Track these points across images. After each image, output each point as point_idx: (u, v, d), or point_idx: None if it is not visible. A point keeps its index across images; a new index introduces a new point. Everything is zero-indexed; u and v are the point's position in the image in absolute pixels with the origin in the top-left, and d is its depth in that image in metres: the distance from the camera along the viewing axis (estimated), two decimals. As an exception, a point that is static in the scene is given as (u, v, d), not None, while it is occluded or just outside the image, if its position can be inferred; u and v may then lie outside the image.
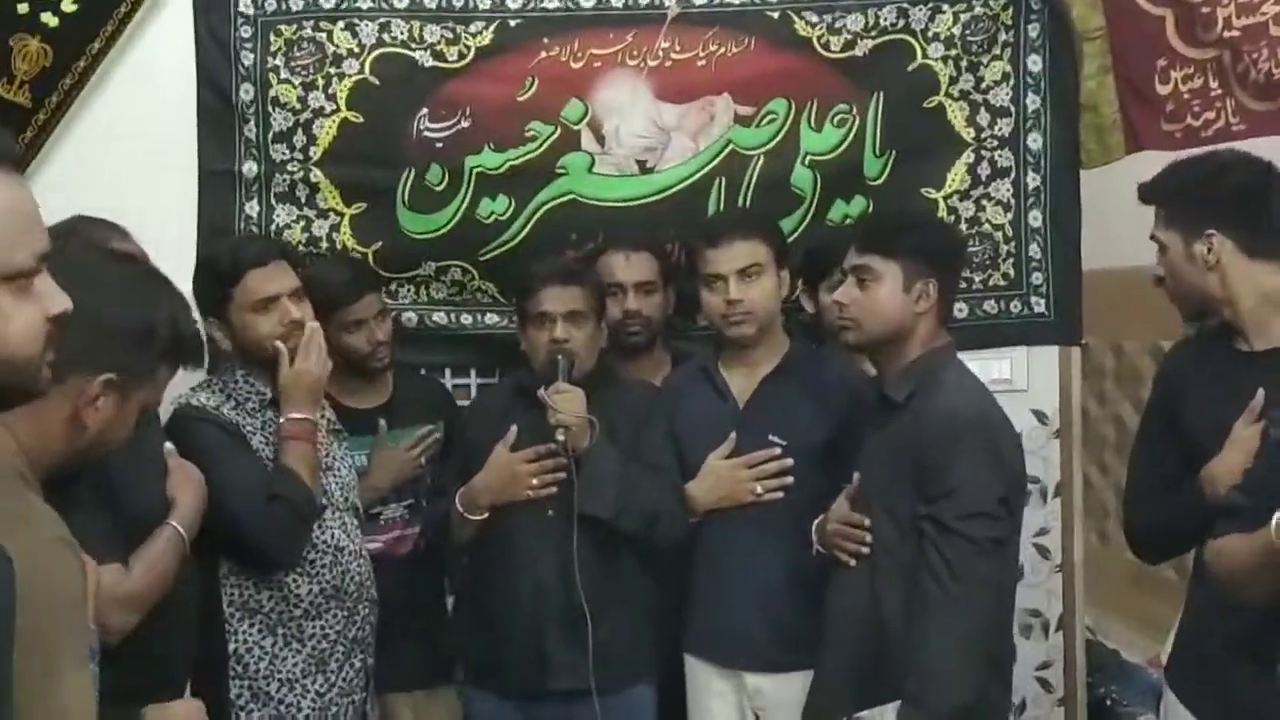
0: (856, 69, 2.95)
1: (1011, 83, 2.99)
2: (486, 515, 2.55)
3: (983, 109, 3.01)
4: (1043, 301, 3.06)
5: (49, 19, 2.87)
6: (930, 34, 2.95)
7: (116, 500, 1.82)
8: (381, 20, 2.92)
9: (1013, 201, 3.03)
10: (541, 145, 2.93)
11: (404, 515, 2.78)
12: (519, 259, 2.89)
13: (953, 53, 2.96)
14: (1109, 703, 3.32)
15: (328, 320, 2.54)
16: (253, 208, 2.97)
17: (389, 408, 2.79)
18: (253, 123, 2.93)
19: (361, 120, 2.94)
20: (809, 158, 2.96)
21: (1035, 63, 2.99)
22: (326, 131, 2.93)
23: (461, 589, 2.81)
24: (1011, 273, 3.05)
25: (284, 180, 2.96)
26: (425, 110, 2.92)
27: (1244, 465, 1.99)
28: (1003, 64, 2.99)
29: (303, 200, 2.97)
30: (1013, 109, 3.00)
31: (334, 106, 2.93)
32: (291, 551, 2.33)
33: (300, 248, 2.89)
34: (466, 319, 3.06)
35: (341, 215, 2.98)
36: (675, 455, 2.60)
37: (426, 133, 2.93)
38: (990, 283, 3.05)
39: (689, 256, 2.80)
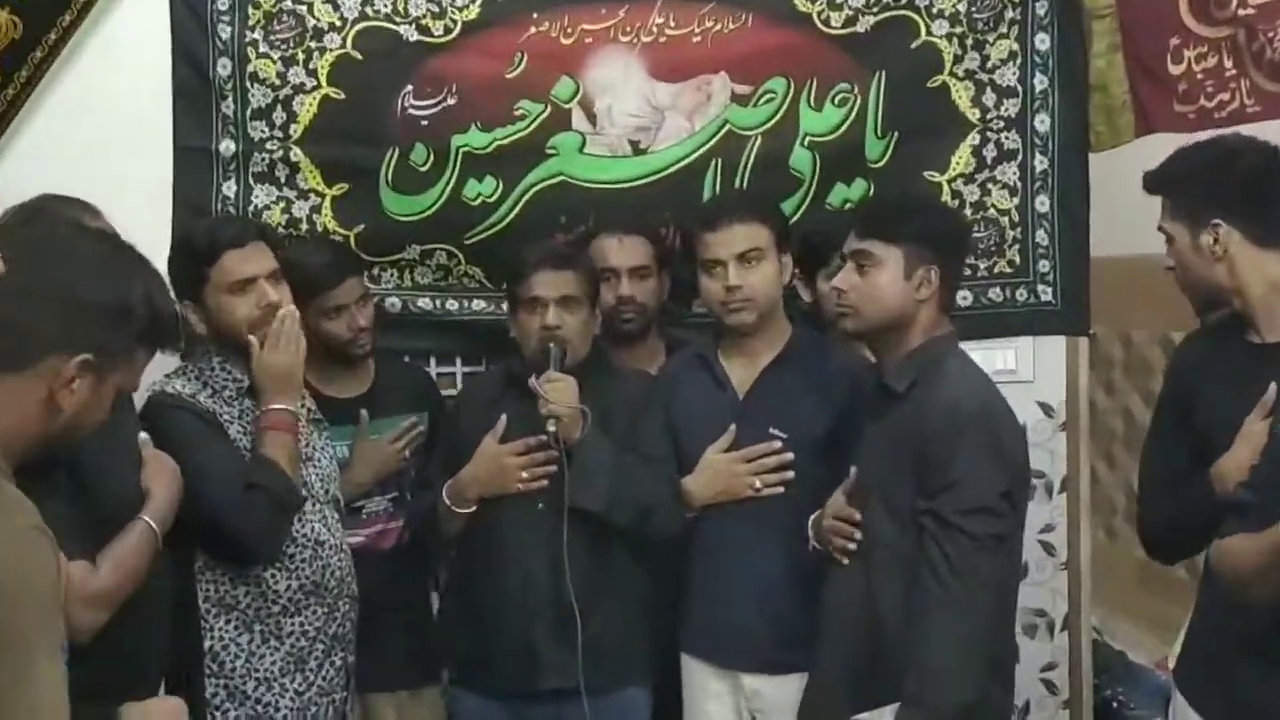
0: (858, 46, 2.93)
1: (1018, 62, 2.97)
2: (474, 508, 2.52)
3: (989, 89, 2.98)
4: (1049, 289, 3.03)
5: (18, -11, 2.83)
6: (934, 10, 2.93)
7: (89, 490, 1.81)
8: (365, -8, 2.91)
9: (1019, 185, 3.01)
10: (531, 124, 2.90)
11: (387, 508, 2.75)
12: (507, 242, 2.87)
13: (958, 30, 2.94)
14: (1115, 705, 3.33)
15: (307, 305, 2.51)
16: (230, 187, 2.93)
17: (371, 397, 2.76)
18: (230, 99, 2.90)
19: (343, 97, 2.90)
20: (808, 139, 2.94)
21: (1043, 41, 2.97)
22: (307, 109, 2.90)
23: (448, 585, 2.78)
24: (1017, 259, 3.03)
25: (263, 159, 2.92)
26: (410, 87, 2.89)
27: (1252, 461, 1.97)
28: (1009, 42, 2.97)
29: (282, 180, 2.94)
30: (1020, 89, 2.98)
31: (315, 82, 2.89)
32: (270, 543, 2.30)
33: (280, 230, 2.86)
34: (452, 305, 3.03)
35: (322, 196, 2.95)
36: (672, 446, 2.57)
37: (411, 110, 2.90)
38: (995, 270, 3.03)
39: (684, 241, 2.78)
